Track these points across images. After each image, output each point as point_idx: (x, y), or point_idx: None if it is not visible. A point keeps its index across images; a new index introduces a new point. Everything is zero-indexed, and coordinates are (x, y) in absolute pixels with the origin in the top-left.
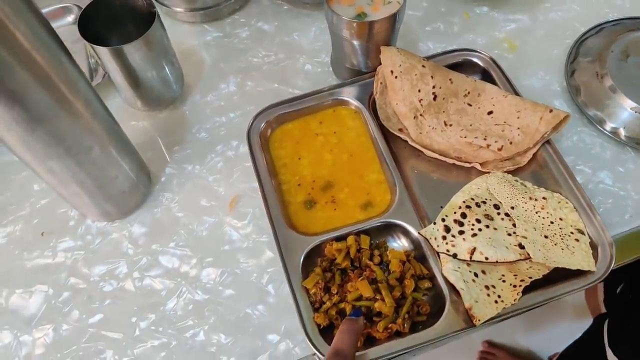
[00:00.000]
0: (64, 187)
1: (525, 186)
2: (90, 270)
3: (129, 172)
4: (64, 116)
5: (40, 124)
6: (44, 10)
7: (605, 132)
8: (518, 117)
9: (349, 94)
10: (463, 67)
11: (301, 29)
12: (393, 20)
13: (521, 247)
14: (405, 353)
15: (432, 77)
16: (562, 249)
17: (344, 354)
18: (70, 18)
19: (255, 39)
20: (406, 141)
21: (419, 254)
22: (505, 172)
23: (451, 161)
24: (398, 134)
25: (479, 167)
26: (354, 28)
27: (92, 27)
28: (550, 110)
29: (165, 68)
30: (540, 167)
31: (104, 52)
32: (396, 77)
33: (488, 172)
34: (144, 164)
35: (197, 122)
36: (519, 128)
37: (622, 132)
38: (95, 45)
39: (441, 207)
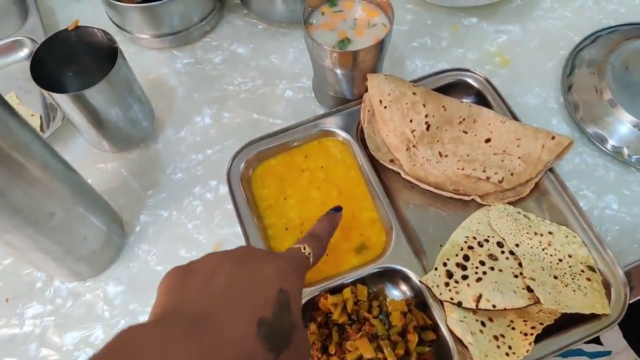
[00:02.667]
0: (25, 256)
1: (529, 219)
2: (62, 338)
3: (100, 228)
4: (18, 186)
5: None
6: None
7: (607, 151)
8: (518, 146)
9: (335, 124)
10: (456, 88)
11: (279, 50)
12: (379, 47)
13: (529, 290)
14: None
15: (424, 105)
16: (574, 291)
17: (319, 237)
18: (23, 53)
19: (230, 64)
20: (399, 173)
21: (420, 301)
22: (506, 203)
23: (448, 194)
24: (389, 166)
25: (478, 199)
26: (337, 58)
27: (47, 66)
28: (553, 137)
29: (132, 106)
30: (542, 196)
31: (62, 99)
32: (385, 107)
33: (488, 205)
34: (116, 214)
35: (171, 161)
36: (519, 157)
37: (626, 151)
38: (51, 93)
39: (441, 245)
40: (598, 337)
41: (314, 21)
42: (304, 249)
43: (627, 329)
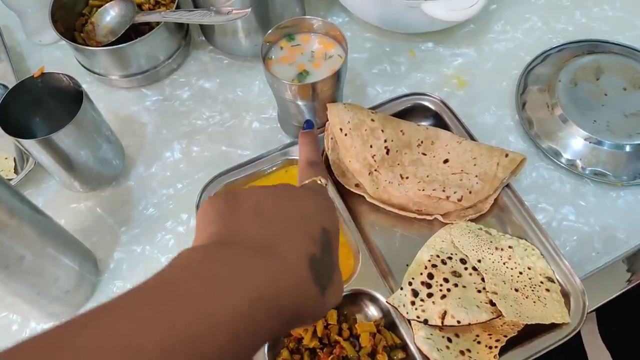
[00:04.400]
0: None
1: (490, 234)
2: None
3: (72, 268)
4: None
5: None
6: None
7: (562, 165)
8: (475, 165)
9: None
10: (414, 111)
11: (245, 84)
12: (336, 77)
13: (492, 303)
14: None
15: (382, 130)
16: (534, 302)
17: (316, 162)
18: None
19: (198, 99)
20: (362, 197)
21: (389, 322)
22: (468, 220)
23: (412, 215)
24: (355, 190)
25: (441, 218)
26: (297, 90)
27: (14, 112)
28: (506, 155)
29: (101, 146)
30: (502, 211)
31: (30, 144)
32: (346, 134)
33: (451, 223)
34: (89, 252)
35: (143, 197)
36: (476, 176)
37: (579, 164)
38: (19, 139)
39: (407, 265)
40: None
41: (273, 56)
42: (320, 181)
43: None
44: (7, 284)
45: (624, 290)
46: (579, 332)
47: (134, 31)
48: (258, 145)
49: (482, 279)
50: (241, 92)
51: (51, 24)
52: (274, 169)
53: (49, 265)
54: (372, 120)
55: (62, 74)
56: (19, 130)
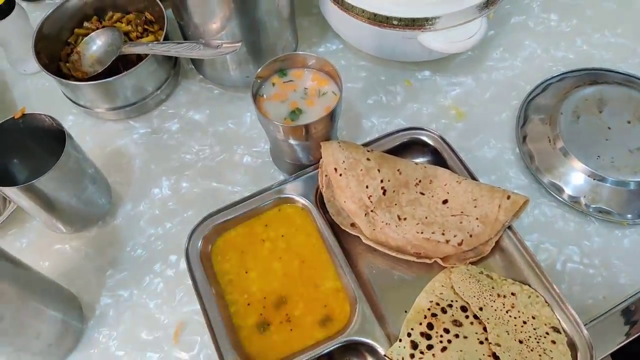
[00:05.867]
0: None
1: (492, 279)
2: None
3: (56, 318)
4: None
5: None
6: None
7: (565, 202)
8: (475, 206)
9: (294, 190)
10: (411, 147)
11: (236, 115)
12: (330, 117)
13: (495, 357)
14: None
15: (378, 170)
16: (540, 355)
17: None
18: None
19: (187, 132)
20: (358, 238)
21: None
22: (468, 263)
23: (410, 258)
24: (350, 231)
25: (440, 262)
26: (289, 131)
27: None
28: (508, 197)
29: (86, 188)
30: (504, 254)
31: (12, 192)
32: (341, 174)
33: (451, 267)
34: (74, 299)
35: (131, 238)
36: (477, 218)
37: (583, 201)
38: (1, 187)
39: (405, 311)
40: None
41: (265, 94)
42: None
43: None
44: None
45: (633, 338)
46: None
47: (121, 60)
48: (249, 181)
49: (484, 329)
50: (232, 124)
51: (34, 56)
52: (266, 208)
53: (31, 320)
54: (368, 159)
55: (44, 114)
56: None
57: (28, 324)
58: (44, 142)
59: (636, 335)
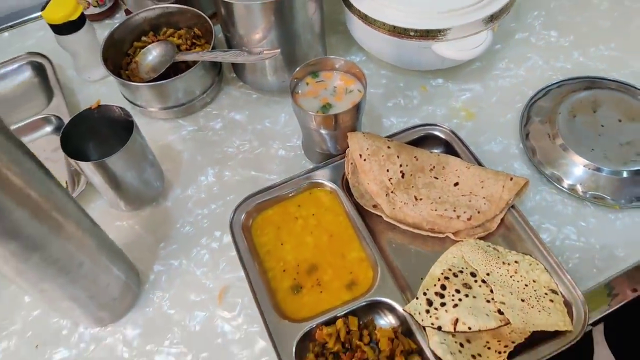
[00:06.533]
0: (56, 303)
1: (498, 251)
2: None
3: (120, 277)
4: (56, 240)
5: (35, 252)
6: (22, 123)
7: (564, 189)
8: (482, 187)
9: (323, 176)
10: (426, 140)
11: (271, 116)
12: (356, 110)
13: (500, 312)
14: None
15: (397, 156)
16: (539, 311)
17: None
18: (50, 128)
19: (229, 130)
20: (381, 216)
21: (405, 329)
22: (477, 238)
23: (425, 233)
24: (373, 211)
25: (452, 236)
26: (321, 120)
27: (73, 139)
28: (511, 178)
29: (145, 170)
30: (508, 230)
31: (86, 166)
32: (365, 159)
33: (461, 240)
34: (133, 265)
35: (180, 217)
36: (484, 197)
37: (580, 188)
38: (78, 161)
39: (421, 278)
40: None
41: (300, 91)
42: None
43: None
44: (67, 289)
45: (623, 303)
46: (590, 332)
47: (172, 69)
48: (283, 171)
49: (491, 291)
50: (268, 123)
51: (102, 63)
52: (299, 191)
53: (102, 272)
54: (389, 147)
55: (116, 106)
56: (76, 154)
57: (100, 275)
58: (114, 130)
59: (626, 301)
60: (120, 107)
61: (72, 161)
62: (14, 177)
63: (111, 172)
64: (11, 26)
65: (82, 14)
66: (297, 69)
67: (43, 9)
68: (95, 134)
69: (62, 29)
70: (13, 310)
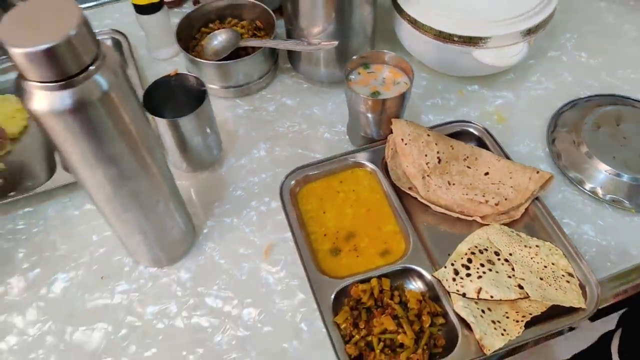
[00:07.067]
0: (129, 235)
1: (520, 236)
2: (144, 309)
3: (181, 224)
4: (144, 176)
5: (127, 182)
6: None
7: (585, 191)
8: (510, 177)
9: (364, 158)
10: (461, 135)
11: (320, 104)
12: (402, 98)
13: (520, 287)
14: None
15: (436, 144)
16: (556, 289)
17: None
18: None
19: (281, 112)
20: (415, 198)
21: (432, 295)
22: (502, 224)
23: (455, 215)
24: (408, 192)
25: (479, 220)
26: (370, 104)
27: (152, 100)
28: (537, 172)
29: (208, 137)
30: (532, 220)
31: (162, 122)
32: (406, 144)
33: (487, 224)
34: (191, 217)
35: (233, 182)
36: (511, 187)
37: (600, 191)
38: (156, 117)
39: (449, 254)
40: None
41: (352, 79)
42: None
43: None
44: (142, 223)
45: (634, 293)
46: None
47: (233, 55)
48: (327, 151)
49: (512, 269)
50: (317, 110)
51: (176, 43)
52: (342, 168)
53: (170, 216)
54: (428, 135)
55: (191, 75)
56: (154, 113)
57: (168, 217)
58: (188, 96)
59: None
60: (195, 77)
61: (150, 116)
62: (124, 112)
63: (181, 132)
64: (92, 6)
65: None
66: (353, 58)
67: None
68: (171, 99)
69: (145, 9)
70: (82, 247)
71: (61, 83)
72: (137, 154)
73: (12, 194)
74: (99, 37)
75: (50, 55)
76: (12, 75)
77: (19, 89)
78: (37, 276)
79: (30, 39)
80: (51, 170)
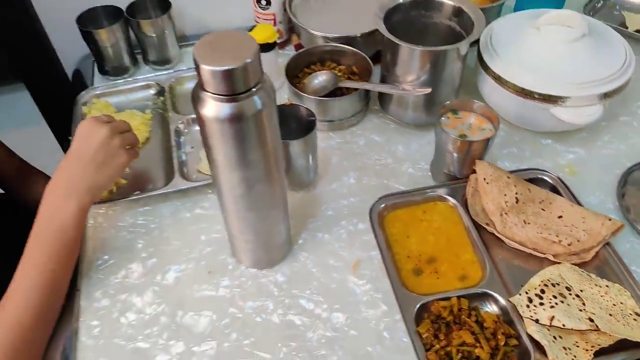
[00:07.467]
0: (242, 234)
1: (591, 276)
2: (244, 303)
3: (283, 232)
4: (269, 183)
5: (256, 185)
6: None
7: None
8: (583, 222)
9: (446, 193)
10: (535, 182)
11: (405, 143)
12: (487, 142)
13: (591, 320)
14: None
15: (515, 185)
16: (624, 325)
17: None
18: None
19: (369, 146)
20: (492, 233)
21: (506, 319)
22: (573, 264)
23: (528, 251)
24: (485, 227)
25: (551, 257)
26: (458, 144)
27: None
28: (609, 219)
29: (310, 160)
30: (602, 263)
31: None
32: (487, 183)
33: (559, 263)
34: (290, 228)
35: (325, 203)
36: (584, 230)
37: None
38: None
39: (521, 285)
40: None
41: (443, 120)
42: None
43: None
44: (258, 224)
45: None
46: None
47: (329, 95)
48: (411, 184)
49: (583, 304)
50: (401, 147)
51: (285, 79)
52: (425, 200)
53: (279, 222)
54: (508, 177)
55: (303, 106)
56: None
57: (277, 223)
58: (296, 124)
59: None
60: (306, 108)
61: None
62: (267, 128)
63: (289, 153)
64: None
65: (275, 40)
66: (446, 103)
67: (250, 30)
68: (282, 125)
69: (261, 47)
70: (192, 244)
71: (229, 97)
72: (269, 163)
73: (136, 192)
74: None
75: (228, 75)
76: (139, 94)
77: (195, 97)
78: (153, 265)
79: (216, 60)
80: (168, 176)
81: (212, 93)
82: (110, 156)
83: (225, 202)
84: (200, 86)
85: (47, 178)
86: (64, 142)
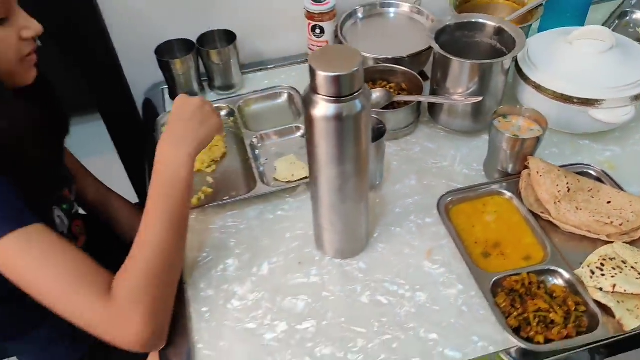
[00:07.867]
0: (333, 224)
1: None
2: (334, 288)
3: (364, 225)
4: (360, 178)
5: (350, 179)
6: (284, 127)
7: None
8: (630, 205)
9: (502, 188)
10: (581, 175)
11: (456, 148)
12: (537, 140)
13: None
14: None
15: (565, 177)
16: None
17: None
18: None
19: (424, 152)
20: (547, 220)
21: (572, 290)
22: (624, 242)
23: (583, 233)
24: (540, 215)
25: (604, 237)
26: (511, 142)
27: None
28: None
29: (378, 164)
30: None
31: None
32: (541, 175)
33: (612, 242)
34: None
35: (392, 202)
36: (632, 212)
37: None
38: None
39: (580, 263)
40: None
41: (495, 123)
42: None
43: None
44: (348, 216)
45: None
46: None
47: (383, 108)
48: (467, 183)
49: (639, 273)
50: (454, 152)
51: None
52: (483, 195)
53: (363, 215)
54: (559, 170)
55: (376, 117)
56: None
57: (362, 216)
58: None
59: None
60: (377, 117)
61: None
62: (363, 128)
63: None
64: (276, 67)
65: None
66: (497, 109)
67: None
68: None
69: None
70: (279, 241)
71: (336, 99)
72: (361, 159)
73: (226, 198)
74: (279, 91)
75: (338, 81)
76: None
77: (307, 100)
78: (248, 259)
79: (329, 68)
80: (249, 185)
81: (323, 95)
82: (206, 117)
83: (322, 196)
84: (312, 90)
85: (127, 202)
86: (134, 170)
